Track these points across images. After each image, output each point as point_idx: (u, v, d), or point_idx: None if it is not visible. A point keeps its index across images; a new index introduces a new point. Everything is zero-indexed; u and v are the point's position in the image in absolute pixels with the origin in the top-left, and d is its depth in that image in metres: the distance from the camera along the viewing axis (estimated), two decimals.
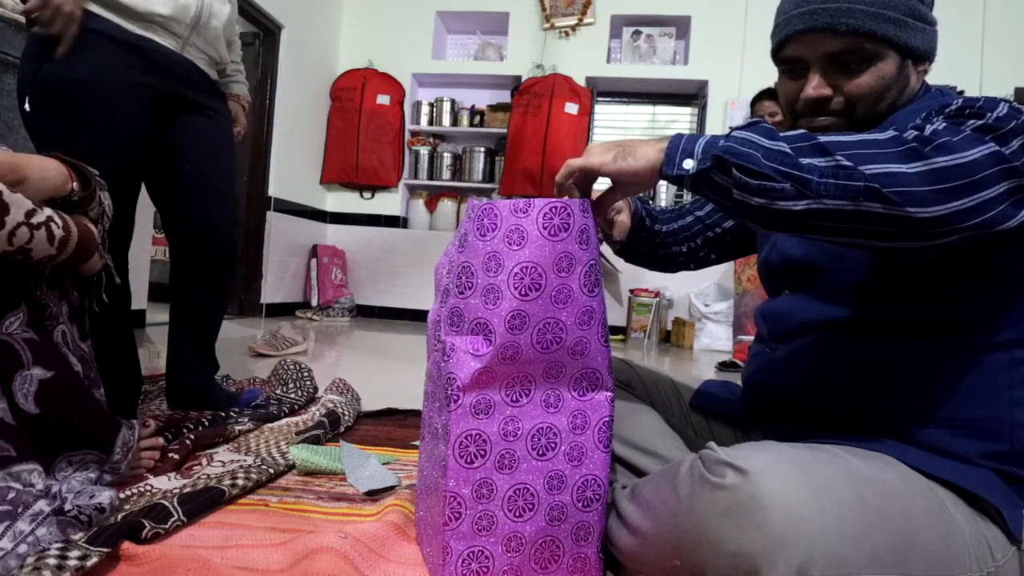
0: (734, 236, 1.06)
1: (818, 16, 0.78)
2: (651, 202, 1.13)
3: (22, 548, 0.76)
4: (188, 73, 1.46)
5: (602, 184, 0.78)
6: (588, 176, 0.76)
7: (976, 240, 0.63)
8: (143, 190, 1.55)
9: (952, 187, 0.60)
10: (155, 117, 1.43)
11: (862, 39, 0.77)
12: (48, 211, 0.93)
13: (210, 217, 1.58)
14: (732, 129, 0.69)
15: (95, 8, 1.30)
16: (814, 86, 0.81)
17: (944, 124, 0.65)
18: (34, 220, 0.89)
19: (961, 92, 4.06)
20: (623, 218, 1.01)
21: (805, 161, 0.63)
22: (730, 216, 0.70)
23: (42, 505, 0.81)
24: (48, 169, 0.97)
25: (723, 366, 3.28)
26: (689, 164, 0.68)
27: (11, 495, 0.81)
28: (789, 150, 0.64)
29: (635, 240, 1.06)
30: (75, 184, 1.01)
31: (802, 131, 0.67)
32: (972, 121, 0.65)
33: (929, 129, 0.64)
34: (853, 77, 0.80)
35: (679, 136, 0.70)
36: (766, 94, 3.11)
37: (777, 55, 0.86)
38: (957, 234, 0.62)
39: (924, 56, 0.82)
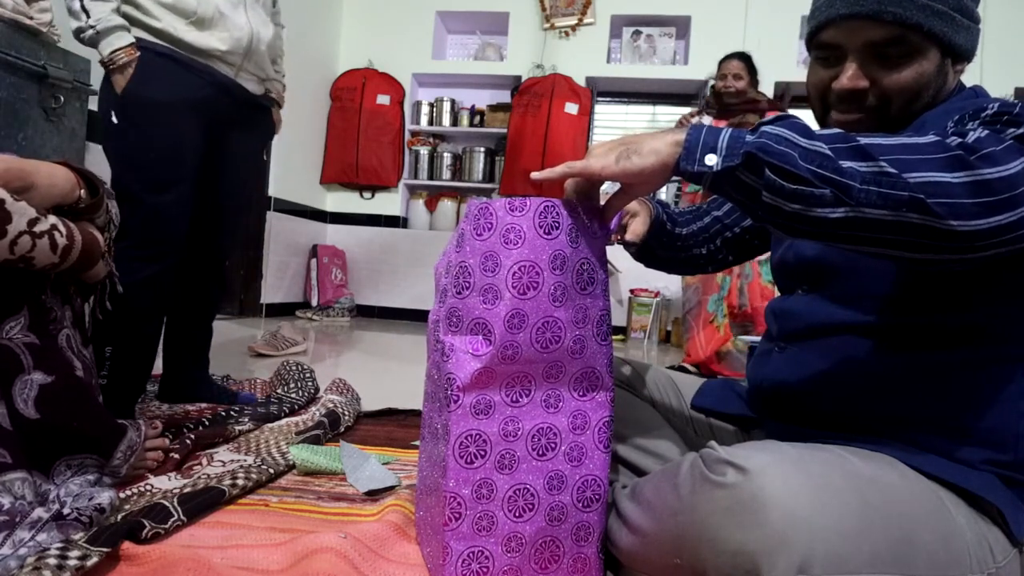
0: (753, 235, 1.04)
1: (864, 2, 0.73)
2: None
3: (23, 551, 0.76)
4: (240, 97, 1.63)
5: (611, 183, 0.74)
6: (591, 181, 0.73)
7: (1011, 254, 0.61)
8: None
9: (995, 201, 0.57)
10: (209, 135, 1.59)
11: (908, 31, 0.73)
12: (52, 219, 0.92)
13: (233, 227, 1.76)
14: (763, 123, 0.64)
15: (162, 43, 1.47)
16: (849, 76, 0.77)
17: (986, 132, 0.61)
18: (37, 229, 0.89)
19: None
20: (638, 221, 0.96)
21: (846, 165, 0.58)
22: (752, 219, 0.65)
23: (40, 513, 0.81)
24: (56, 176, 0.97)
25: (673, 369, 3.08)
26: (712, 160, 0.61)
27: (7, 506, 0.81)
28: (828, 151, 0.59)
29: (655, 245, 1.03)
30: (83, 191, 1.01)
31: (838, 130, 0.63)
32: (1012, 129, 0.62)
33: (972, 137, 0.61)
34: (892, 71, 0.76)
35: (697, 128, 0.64)
36: (735, 55, 3.01)
37: (812, 39, 0.81)
38: (995, 248, 0.59)
39: (964, 56, 0.78)
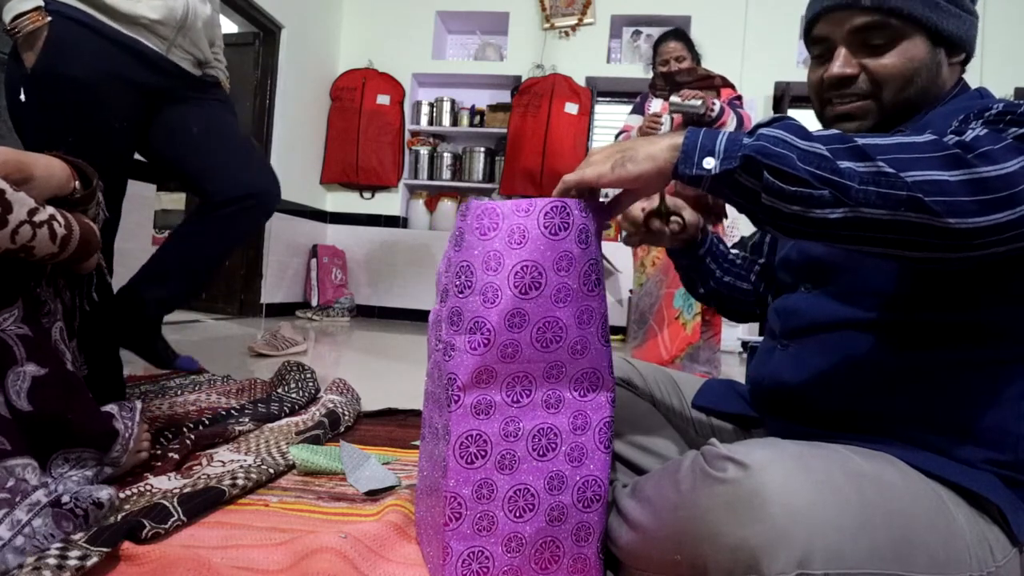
0: (766, 255, 1.07)
1: None
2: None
3: (19, 540, 0.75)
4: (174, 74, 1.46)
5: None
6: (589, 190, 0.73)
7: (1011, 253, 0.61)
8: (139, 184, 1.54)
9: (992, 199, 0.57)
10: (143, 114, 1.42)
11: (888, 15, 0.76)
12: (51, 209, 0.93)
13: (226, 162, 1.54)
14: (759, 125, 0.64)
15: (81, 6, 1.30)
16: (839, 64, 0.79)
17: (985, 131, 0.62)
18: (37, 218, 0.90)
19: None
20: (685, 217, 0.98)
21: (844, 165, 0.58)
22: (753, 222, 0.66)
23: (40, 496, 0.81)
24: (53, 168, 0.98)
25: None
26: (710, 163, 0.62)
27: (10, 483, 0.81)
28: (826, 152, 0.59)
29: (708, 257, 1.05)
30: (77, 183, 1.02)
31: (835, 131, 0.63)
32: (1013, 129, 0.62)
33: (971, 135, 0.61)
34: (879, 56, 0.78)
35: (694, 131, 0.64)
36: (671, 34, 2.79)
37: (808, 37, 0.85)
38: (993, 246, 0.59)
39: (958, 44, 0.79)
